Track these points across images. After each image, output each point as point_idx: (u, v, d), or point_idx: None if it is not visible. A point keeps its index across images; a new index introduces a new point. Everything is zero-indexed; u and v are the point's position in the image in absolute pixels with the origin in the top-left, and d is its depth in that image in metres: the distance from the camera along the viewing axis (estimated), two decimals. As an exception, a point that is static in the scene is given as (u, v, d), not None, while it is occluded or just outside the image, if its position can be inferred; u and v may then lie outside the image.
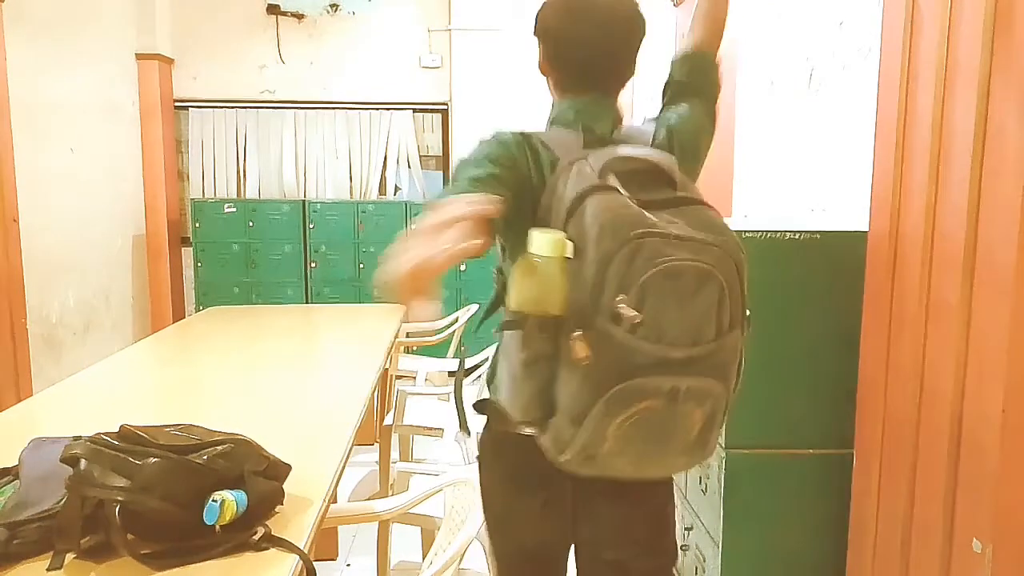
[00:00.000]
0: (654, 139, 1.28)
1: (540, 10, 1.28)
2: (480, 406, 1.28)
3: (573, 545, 1.36)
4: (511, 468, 1.29)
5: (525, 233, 1.03)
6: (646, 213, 1.00)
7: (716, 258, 1.01)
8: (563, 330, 0.99)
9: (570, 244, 1.00)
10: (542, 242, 0.99)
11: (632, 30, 1.24)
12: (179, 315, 5.80)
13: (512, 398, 1.10)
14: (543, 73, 1.31)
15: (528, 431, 1.11)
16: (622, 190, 1.02)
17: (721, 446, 2.00)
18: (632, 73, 1.27)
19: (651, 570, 1.32)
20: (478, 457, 1.37)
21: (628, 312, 0.96)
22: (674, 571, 1.36)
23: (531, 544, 1.36)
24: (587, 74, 1.25)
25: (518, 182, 1.11)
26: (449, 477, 1.84)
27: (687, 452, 1.08)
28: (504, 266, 1.23)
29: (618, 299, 0.96)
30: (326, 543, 2.90)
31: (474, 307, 4.43)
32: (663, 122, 1.32)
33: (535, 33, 1.29)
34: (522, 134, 1.18)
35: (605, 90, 1.26)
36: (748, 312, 1.07)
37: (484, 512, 1.37)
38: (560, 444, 1.04)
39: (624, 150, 1.12)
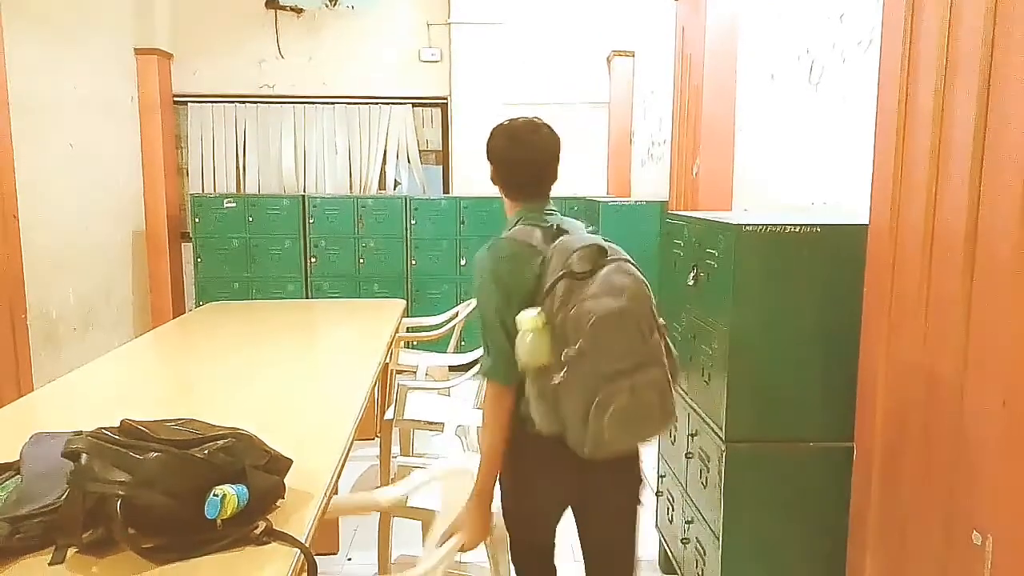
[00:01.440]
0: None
1: (489, 138, 1.78)
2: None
3: (571, 506, 1.81)
4: (528, 459, 1.71)
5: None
6: (585, 287, 1.53)
7: (629, 295, 1.53)
8: (555, 371, 1.52)
9: (543, 317, 1.54)
10: (526, 320, 1.55)
11: (553, 150, 1.77)
12: (179, 310, 5.81)
13: (538, 417, 1.59)
14: (495, 184, 1.81)
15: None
16: (575, 268, 1.56)
17: (721, 439, 2.00)
18: (556, 179, 1.79)
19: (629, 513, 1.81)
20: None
21: (583, 351, 1.49)
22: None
23: (540, 509, 1.82)
24: (527, 185, 1.78)
25: (522, 285, 1.63)
26: (447, 464, 1.85)
27: (661, 421, 1.60)
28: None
29: (578, 344, 1.49)
30: (327, 537, 2.90)
31: (474, 302, 4.42)
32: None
33: (487, 156, 1.78)
34: (513, 240, 1.68)
35: (542, 195, 1.79)
36: (661, 320, 1.62)
37: (502, 488, 1.78)
38: (579, 442, 1.55)
39: (573, 241, 1.63)
